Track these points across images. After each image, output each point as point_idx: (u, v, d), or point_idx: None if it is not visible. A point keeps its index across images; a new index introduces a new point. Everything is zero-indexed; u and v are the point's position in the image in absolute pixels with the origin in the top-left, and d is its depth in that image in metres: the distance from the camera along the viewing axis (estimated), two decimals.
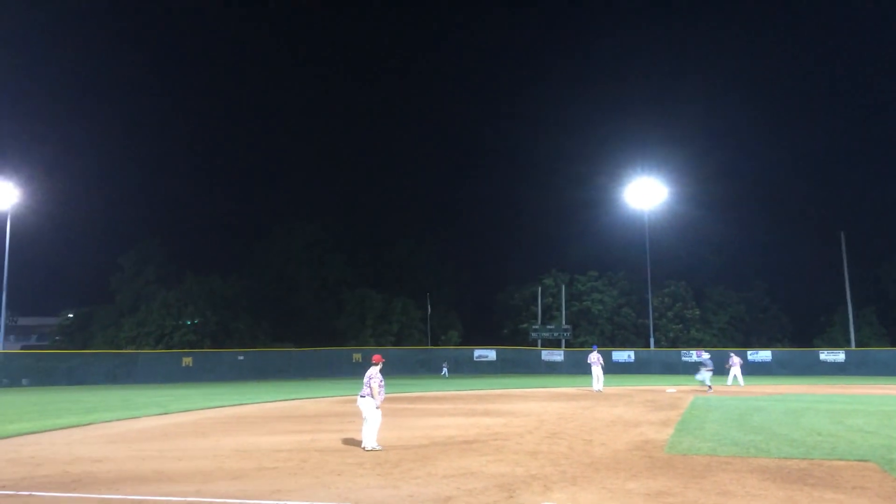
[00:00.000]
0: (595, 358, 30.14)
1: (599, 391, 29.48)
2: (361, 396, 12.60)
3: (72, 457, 12.04)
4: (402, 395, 28.85)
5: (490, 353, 62.63)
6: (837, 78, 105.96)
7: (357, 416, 19.42)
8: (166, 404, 23.98)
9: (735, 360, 34.91)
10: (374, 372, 12.50)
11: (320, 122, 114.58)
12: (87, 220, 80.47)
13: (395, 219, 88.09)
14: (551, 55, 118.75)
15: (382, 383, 12.60)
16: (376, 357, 12.94)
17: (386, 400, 26.51)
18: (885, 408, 20.57)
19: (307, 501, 8.31)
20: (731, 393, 28.96)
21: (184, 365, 50.72)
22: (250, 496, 8.69)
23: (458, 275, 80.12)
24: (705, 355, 31.87)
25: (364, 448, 12.28)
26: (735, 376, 34.47)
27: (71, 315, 71.13)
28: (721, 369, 34.80)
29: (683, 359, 57.05)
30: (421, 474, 10.00)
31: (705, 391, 28.93)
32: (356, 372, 53.80)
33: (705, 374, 29.97)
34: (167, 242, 70.04)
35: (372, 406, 12.40)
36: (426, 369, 58.64)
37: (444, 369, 57.12)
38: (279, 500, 8.43)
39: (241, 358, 53.63)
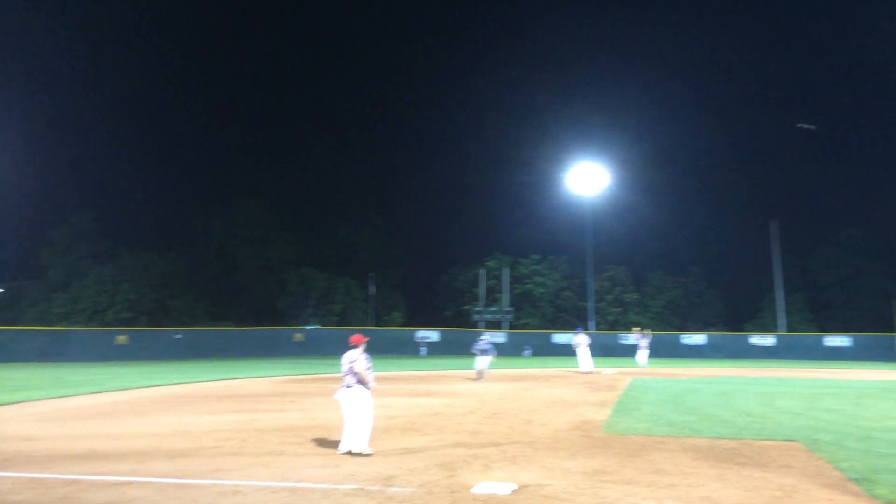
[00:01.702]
0: (582, 339, 30.63)
1: (589, 372, 29.72)
2: (347, 387, 10.15)
3: (2, 435, 11.67)
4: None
5: (433, 334, 62.90)
6: (772, 69, 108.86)
7: (301, 396, 19.33)
8: (101, 382, 23.40)
9: (641, 339, 36.80)
10: (355, 355, 10.28)
11: (266, 98, 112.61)
12: (15, 192, 77.37)
13: (341, 198, 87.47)
14: (496, 41, 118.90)
15: (370, 366, 10.37)
16: (355, 337, 10.63)
17: (327, 381, 26.25)
18: (812, 390, 21.44)
19: (247, 481, 8.24)
20: (667, 375, 29.73)
21: (118, 343, 49.49)
22: (189, 475, 8.56)
23: (403, 256, 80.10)
24: (485, 336, 27.05)
25: (351, 452, 9.89)
26: (642, 358, 35.78)
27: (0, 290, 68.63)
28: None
29: (621, 341, 58.32)
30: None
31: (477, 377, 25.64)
32: (297, 352, 53.44)
33: (483, 361, 25.52)
34: (101, 217, 67.82)
35: (361, 399, 10.10)
36: (369, 350, 58.58)
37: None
38: (219, 479, 8.33)
39: (178, 336, 52.61)
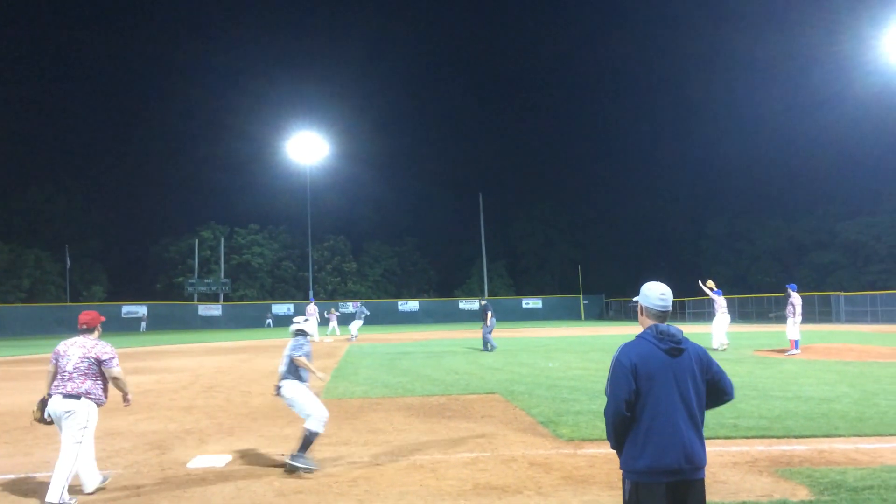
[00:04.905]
0: (312, 309, 31.55)
1: (327, 341, 31.34)
2: (75, 397, 6.60)
3: None
4: (36, 356, 25.91)
5: (141, 309, 58.75)
6: (477, 57, 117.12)
7: None
8: None
9: (333, 314, 38.61)
10: (96, 346, 6.85)
11: None
12: None
13: (28, 160, 77.41)
14: (214, 6, 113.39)
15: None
16: (90, 317, 6.95)
17: (10, 363, 23.44)
18: (510, 347, 23.78)
19: None
20: (384, 340, 30.94)
21: None
22: None
23: (105, 225, 73.54)
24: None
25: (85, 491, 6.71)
26: (334, 328, 36.88)
27: None
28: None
29: (341, 310, 59.42)
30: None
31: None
32: None
33: None
34: None
35: (91, 414, 6.82)
36: (65, 328, 53.14)
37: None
38: None
39: None
